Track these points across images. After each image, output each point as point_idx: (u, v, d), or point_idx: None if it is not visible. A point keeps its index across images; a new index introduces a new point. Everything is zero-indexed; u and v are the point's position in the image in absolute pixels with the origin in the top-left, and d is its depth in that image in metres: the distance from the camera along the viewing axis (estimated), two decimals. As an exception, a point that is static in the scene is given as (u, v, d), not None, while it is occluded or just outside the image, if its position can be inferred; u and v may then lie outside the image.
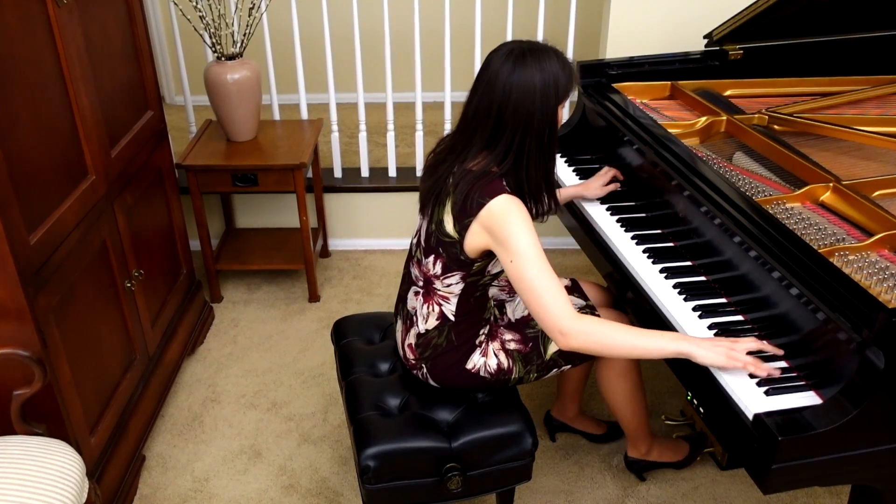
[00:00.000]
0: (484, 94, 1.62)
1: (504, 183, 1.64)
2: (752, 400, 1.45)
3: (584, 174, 2.32)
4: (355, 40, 3.15)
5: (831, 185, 1.84)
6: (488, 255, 1.70)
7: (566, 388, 2.30)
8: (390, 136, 3.33)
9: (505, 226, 1.60)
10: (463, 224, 1.65)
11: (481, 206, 1.61)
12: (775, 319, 1.58)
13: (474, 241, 1.66)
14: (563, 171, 2.37)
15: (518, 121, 1.61)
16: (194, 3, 2.76)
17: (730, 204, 1.74)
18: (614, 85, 2.41)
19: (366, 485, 1.76)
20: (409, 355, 1.87)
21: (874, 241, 1.65)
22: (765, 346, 1.55)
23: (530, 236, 1.60)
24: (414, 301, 1.83)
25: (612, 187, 2.18)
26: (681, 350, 1.57)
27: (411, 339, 1.85)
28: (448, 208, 1.68)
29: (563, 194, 2.18)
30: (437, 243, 1.72)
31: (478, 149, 1.66)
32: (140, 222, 2.36)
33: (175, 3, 2.87)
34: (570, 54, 3.07)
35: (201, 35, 2.90)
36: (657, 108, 2.35)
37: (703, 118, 2.23)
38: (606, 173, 2.19)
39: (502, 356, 1.84)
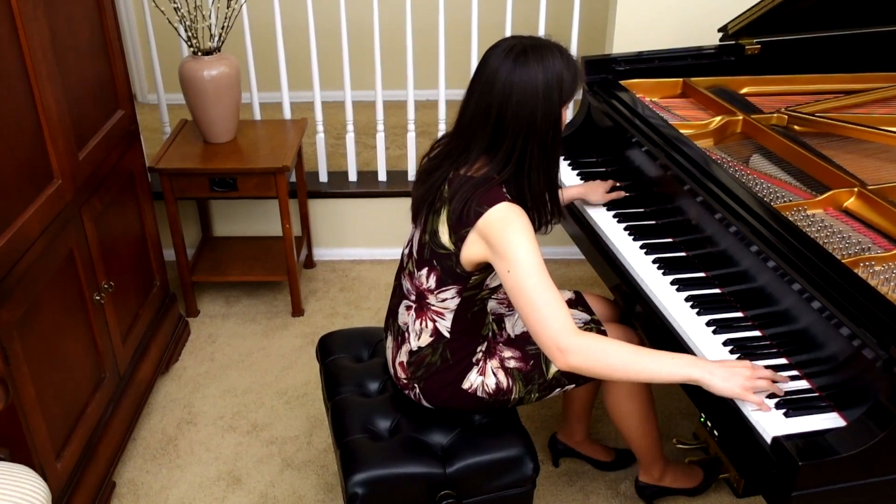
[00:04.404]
0: (482, 94, 1.63)
1: (504, 190, 1.65)
2: (770, 422, 1.45)
3: (588, 178, 2.33)
4: (342, 34, 3.16)
5: (856, 189, 1.85)
6: (486, 268, 1.71)
7: (572, 410, 2.31)
8: (380, 138, 3.34)
9: (503, 235, 1.60)
10: (459, 235, 1.65)
11: (479, 214, 1.62)
12: (795, 335, 1.59)
13: (471, 252, 1.66)
14: (567, 174, 2.38)
15: (520, 124, 1.61)
16: (169, -6, 2.78)
17: (746, 210, 1.74)
18: (622, 82, 2.42)
19: (354, 514, 1.76)
20: (401, 374, 1.87)
21: (901, 251, 1.66)
22: (782, 377, 1.55)
23: (530, 245, 1.60)
24: (405, 316, 1.84)
25: (616, 195, 2.19)
26: (692, 377, 1.56)
27: (403, 356, 1.85)
28: (443, 218, 1.68)
29: (565, 195, 2.19)
30: (431, 255, 1.73)
31: (476, 154, 1.67)
32: (110, 230, 2.36)
33: (148, -6, 2.88)
34: (573, 49, 3.09)
35: (176, 28, 2.91)
36: (668, 107, 2.36)
37: (718, 118, 2.24)
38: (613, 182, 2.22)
39: (501, 375, 1.84)
